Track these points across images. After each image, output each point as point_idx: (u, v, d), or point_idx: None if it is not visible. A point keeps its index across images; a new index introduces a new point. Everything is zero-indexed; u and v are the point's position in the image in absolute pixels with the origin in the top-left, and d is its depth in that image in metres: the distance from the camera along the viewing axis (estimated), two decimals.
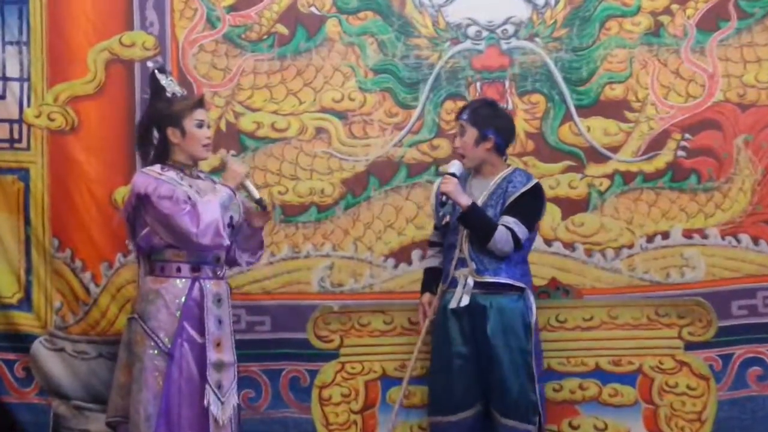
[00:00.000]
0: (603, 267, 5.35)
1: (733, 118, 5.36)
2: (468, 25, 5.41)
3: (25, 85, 5.35)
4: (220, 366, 4.43)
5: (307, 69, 5.39)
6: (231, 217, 4.52)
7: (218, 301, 4.49)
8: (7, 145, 5.34)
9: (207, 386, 4.38)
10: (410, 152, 5.40)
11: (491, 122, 4.86)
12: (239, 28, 5.40)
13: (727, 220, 5.35)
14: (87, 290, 5.32)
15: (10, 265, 5.33)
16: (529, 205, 4.84)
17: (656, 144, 5.36)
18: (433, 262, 5.09)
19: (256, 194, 4.58)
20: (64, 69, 5.36)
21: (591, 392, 5.33)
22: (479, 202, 4.84)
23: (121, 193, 5.28)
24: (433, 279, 5.03)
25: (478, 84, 5.40)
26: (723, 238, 5.34)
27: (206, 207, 4.38)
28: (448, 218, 4.89)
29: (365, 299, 5.35)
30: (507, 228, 4.76)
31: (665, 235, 5.35)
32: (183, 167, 4.53)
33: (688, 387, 5.32)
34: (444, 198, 4.83)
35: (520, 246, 4.81)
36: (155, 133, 4.56)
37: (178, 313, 4.41)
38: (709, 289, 5.32)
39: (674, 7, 5.37)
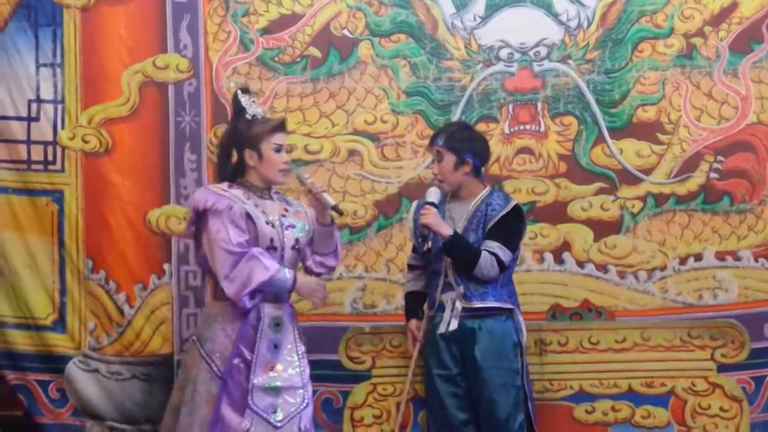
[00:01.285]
0: (636, 289, 5.34)
1: (767, 140, 5.35)
2: (500, 48, 5.41)
3: (60, 107, 5.37)
4: (275, 390, 4.33)
5: (340, 91, 5.40)
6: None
7: (276, 325, 4.40)
8: (41, 167, 5.36)
9: (248, 411, 4.28)
10: None
11: (468, 146, 4.84)
12: (272, 51, 5.41)
13: (760, 242, 5.34)
14: (121, 311, 5.34)
15: (45, 287, 5.35)
16: (511, 228, 4.83)
17: (689, 166, 5.36)
18: (415, 285, 5.08)
19: (331, 202, 4.45)
20: (98, 91, 5.38)
21: (623, 414, 5.32)
22: (459, 227, 4.83)
23: (155, 215, 5.34)
24: (417, 303, 5.03)
25: (510, 106, 5.40)
26: (756, 260, 5.33)
27: (258, 270, 4.27)
28: (430, 244, 4.81)
29: (397, 321, 5.33)
30: (491, 253, 4.75)
31: (698, 257, 5.35)
32: (254, 189, 4.47)
33: (721, 409, 5.31)
34: (427, 231, 4.78)
35: (505, 269, 4.80)
36: (234, 154, 4.48)
37: (234, 337, 4.35)
38: (742, 311, 5.31)
39: (707, 29, 5.36)
